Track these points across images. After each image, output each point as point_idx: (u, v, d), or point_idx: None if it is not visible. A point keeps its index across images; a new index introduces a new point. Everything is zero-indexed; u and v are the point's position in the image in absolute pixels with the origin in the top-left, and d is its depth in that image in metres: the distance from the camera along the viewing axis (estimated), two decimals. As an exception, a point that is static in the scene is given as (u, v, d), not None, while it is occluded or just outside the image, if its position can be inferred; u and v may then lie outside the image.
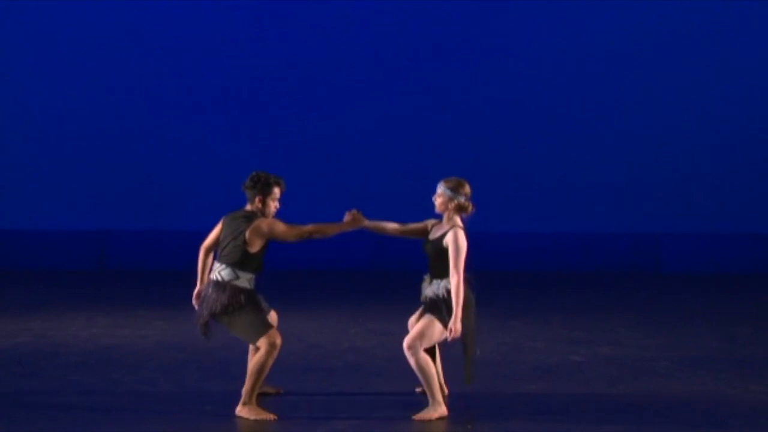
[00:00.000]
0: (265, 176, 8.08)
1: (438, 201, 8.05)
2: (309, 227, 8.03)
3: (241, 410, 7.91)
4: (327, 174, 16.51)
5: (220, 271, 8.01)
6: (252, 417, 7.85)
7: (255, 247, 7.95)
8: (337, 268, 16.14)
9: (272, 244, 8.07)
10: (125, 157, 16.64)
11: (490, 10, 16.78)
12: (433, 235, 8.06)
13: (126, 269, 16.11)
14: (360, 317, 12.22)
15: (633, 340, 10.91)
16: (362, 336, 11.07)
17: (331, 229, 8.16)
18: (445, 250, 7.86)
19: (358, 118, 16.74)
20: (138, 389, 8.70)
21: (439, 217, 8.12)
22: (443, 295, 7.86)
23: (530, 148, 16.74)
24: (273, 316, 8.35)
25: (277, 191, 8.09)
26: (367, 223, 8.22)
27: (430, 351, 8.11)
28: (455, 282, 7.78)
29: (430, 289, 7.97)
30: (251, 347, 8.23)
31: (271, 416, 7.86)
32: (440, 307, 7.86)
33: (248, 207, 8.09)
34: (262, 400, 8.12)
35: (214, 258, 8.17)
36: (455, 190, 8.00)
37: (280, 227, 7.97)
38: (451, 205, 8.01)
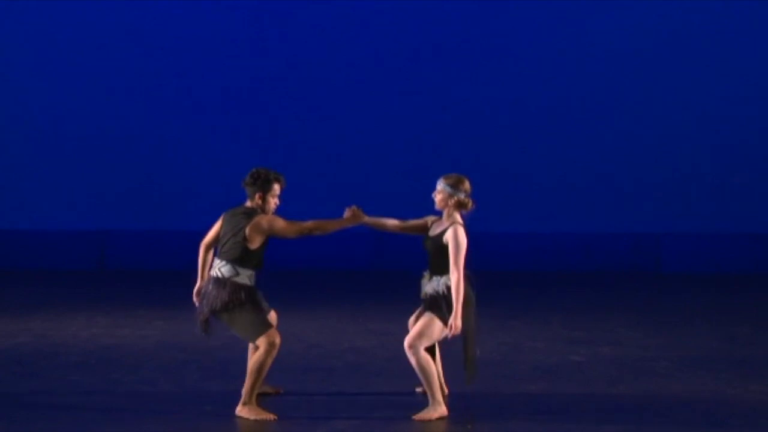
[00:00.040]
0: (265, 173, 8.08)
1: (438, 197, 8.05)
2: (309, 223, 8.03)
3: (241, 410, 7.91)
4: (327, 174, 16.50)
5: (220, 268, 8.01)
6: (252, 417, 7.85)
7: (255, 243, 7.96)
8: (337, 267, 16.14)
9: (272, 241, 8.07)
10: (125, 157, 16.64)
11: (490, 10, 16.78)
12: (433, 231, 8.06)
13: (126, 269, 16.11)
14: (360, 317, 12.22)
15: (633, 340, 10.91)
16: (362, 336, 11.06)
17: (331, 226, 8.16)
18: (445, 247, 7.86)
19: (358, 118, 16.73)
20: (138, 389, 8.69)
21: (439, 213, 8.12)
22: (443, 292, 7.86)
23: (530, 148, 16.74)
24: (272, 316, 8.36)
25: (277, 188, 8.09)
26: (367, 219, 8.22)
27: (430, 350, 8.11)
28: (455, 279, 7.78)
29: (430, 285, 7.97)
30: (251, 346, 8.23)
31: (271, 416, 7.86)
32: (440, 304, 7.86)
33: (248, 203, 8.09)
34: (262, 400, 8.12)
35: (215, 255, 8.18)
36: (455, 186, 8.00)
37: (280, 223, 7.98)
38: (451, 202, 8.00)
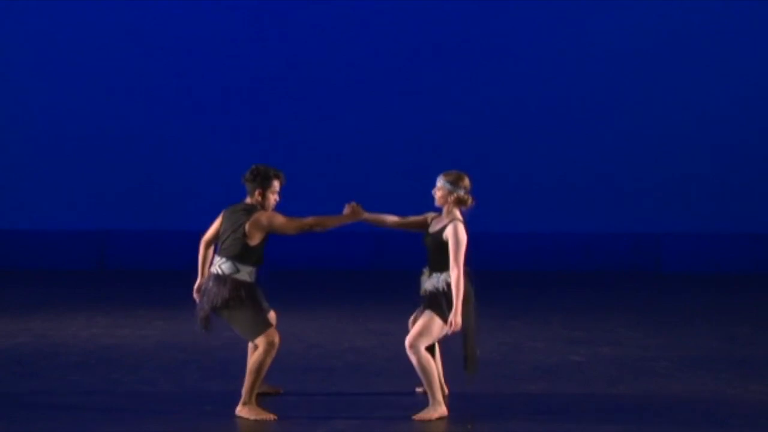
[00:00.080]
0: (265, 169, 8.08)
1: (437, 194, 8.05)
2: (309, 220, 8.03)
3: (241, 410, 7.91)
4: (327, 173, 16.51)
5: (220, 265, 8.01)
6: (252, 417, 7.85)
7: (255, 240, 7.96)
8: (337, 267, 16.14)
9: (272, 240, 8.07)
10: (125, 157, 16.64)
11: (490, 10, 16.79)
12: (433, 228, 8.05)
13: (126, 269, 16.12)
14: (360, 317, 12.22)
15: (633, 340, 10.91)
16: (362, 336, 11.06)
17: (331, 222, 8.16)
18: (445, 243, 7.86)
19: (358, 118, 16.74)
20: (138, 389, 8.69)
21: (439, 210, 8.12)
22: (443, 289, 7.85)
23: (530, 147, 16.74)
24: (272, 316, 8.36)
25: (276, 184, 8.09)
26: (367, 215, 8.21)
27: (431, 350, 8.10)
28: (455, 275, 7.77)
29: (430, 282, 7.96)
30: (250, 346, 8.23)
31: (271, 416, 7.86)
32: (440, 301, 7.85)
33: (248, 200, 8.09)
34: (262, 400, 8.11)
35: (215, 251, 8.18)
36: (455, 183, 8.00)
37: (280, 220, 7.98)
38: (451, 198, 8.00)
